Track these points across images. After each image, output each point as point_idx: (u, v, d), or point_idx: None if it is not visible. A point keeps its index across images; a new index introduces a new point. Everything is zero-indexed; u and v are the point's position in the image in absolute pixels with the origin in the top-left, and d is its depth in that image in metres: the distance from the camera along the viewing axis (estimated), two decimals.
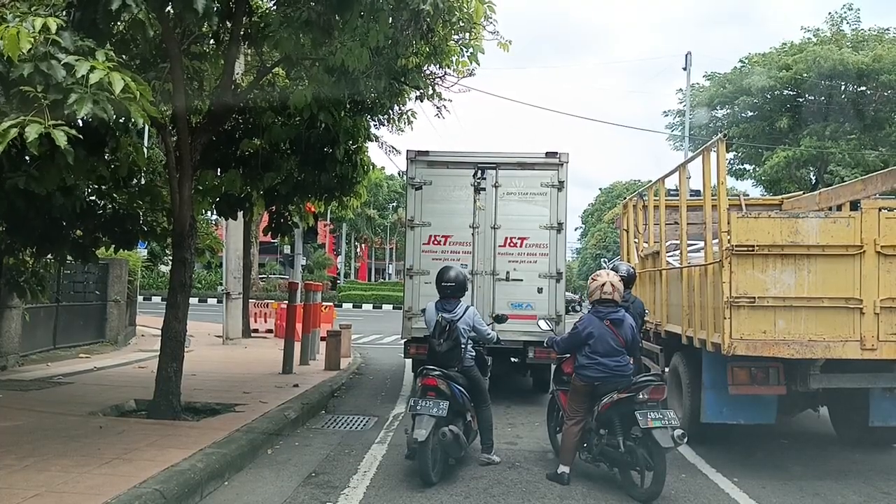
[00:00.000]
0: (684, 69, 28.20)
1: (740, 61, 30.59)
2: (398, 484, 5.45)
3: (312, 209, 10.95)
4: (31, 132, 3.82)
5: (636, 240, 10.13)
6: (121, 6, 4.29)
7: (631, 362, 5.75)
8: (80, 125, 4.09)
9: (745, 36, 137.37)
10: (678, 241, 7.87)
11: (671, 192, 9.61)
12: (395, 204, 54.66)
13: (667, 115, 31.75)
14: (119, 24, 5.46)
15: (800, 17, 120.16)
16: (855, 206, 7.23)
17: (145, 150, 8.16)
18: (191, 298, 7.57)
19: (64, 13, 4.69)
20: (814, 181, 27.89)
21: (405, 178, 9.74)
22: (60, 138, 3.87)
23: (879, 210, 5.76)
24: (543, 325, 7.09)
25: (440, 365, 5.77)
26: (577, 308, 23.99)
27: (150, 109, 4.61)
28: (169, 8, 5.02)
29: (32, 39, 3.96)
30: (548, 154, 9.21)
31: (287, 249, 14.94)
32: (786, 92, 28.41)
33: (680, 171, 8.10)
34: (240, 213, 9.07)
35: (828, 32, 28.53)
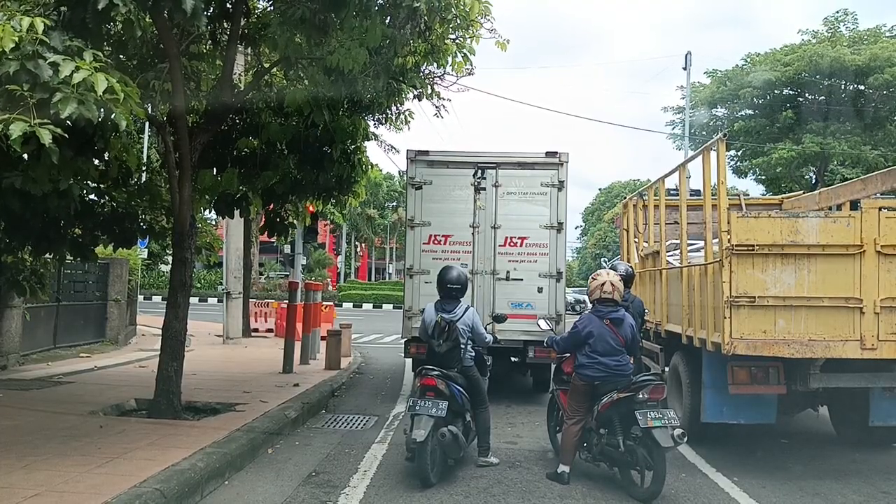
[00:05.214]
0: (684, 69, 28.20)
1: (742, 59, 30.70)
2: (398, 483, 5.45)
3: (312, 209, 10.95)
4: (15, 129, 3.82)
5: (636, 239, 10.13)
6: (108, 5, 4.28)
7: (631, 362, 5.75)
8: (68, 125, 4.07)
9: (741, 40, 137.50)
10: (678, 241, 7.87)
11: (671, 192, 9.61)
12: (394, 203, 54.65)
13: (666, 112, 31.82)
14: (115, 24, 5.47)
15: (796, 23, 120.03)
16: (855, 205, 7.23)
17: (145, 150, 8.18)
18: (191, 298, 7.57)
19: (55, 13, 4.69)
20: (814, 181, 27.92)
21: (405, 177, 9.74)
22: (45, 136, 3.87)
23: (879, 210, 5.75)
24: (543, 324, 7.08)
25: (439, 365, 5.77)
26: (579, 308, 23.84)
27: (137, 111, 4.60)
28: (162, 6, 5.00)
29: (17, 38, 3.96)
30: (548, 154, 9.21)
31: (287, 249, 14.96)
32: (786, 91, 28.46)
33: (680, 170, 8.10)
34: (241, 213, 9.07)
35: (825, 34, 28.63)
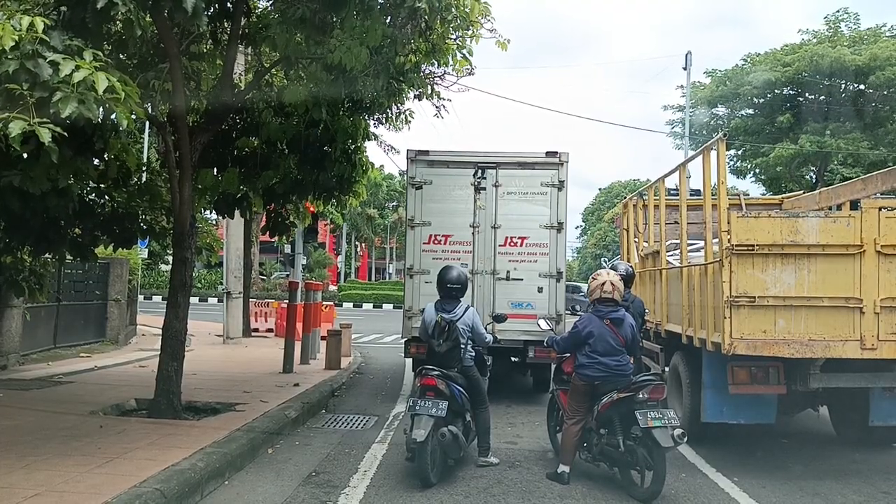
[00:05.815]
0: (684, 69, 28.19)
1: (742, 59, 30.72)
2: (398, 483, 5.45)
3: (312, 209, 10.95)
4: (15, 128, 3.81)
5: (636, 239, 10.13)
6: (108, 5, 4.27)
7: (631, 362, 5.75)
8: (67, 124, 4.07)
9: (740, 40, 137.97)
10: (678, 241, 7.87)
11: (671, 192, 9.61)
12: (394, 203, 54.67)
13: (666, 110, 31.87)
14: (115, 24, 5.46)
15: (796, 23, 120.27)
16: (855, 205, 7.23)
17: (145, 150, 8.18)
18: (191, 298, 7.57)
19: (55, 12, 4.69)
20: (814, 180, 27.92)
21: (405, 177, 9.74)
22: (45, 135, 3.87)
23: (879, 210, 5.75)
24: (543, 324, 7.07)
25: (440, 365, 5.77)
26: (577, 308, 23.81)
27: (137, 111, 4.59)
28: (162, 6, 5.00)
29: (17, 37, 3.96)
30: (548, 153, 9.21)
31: (287, 249, 14.96)
32: (786, 91, 28.47)
33: (680, 170, 8.10)
34: (241, 213, 9.07)
35: (826, 34, 28.65)
